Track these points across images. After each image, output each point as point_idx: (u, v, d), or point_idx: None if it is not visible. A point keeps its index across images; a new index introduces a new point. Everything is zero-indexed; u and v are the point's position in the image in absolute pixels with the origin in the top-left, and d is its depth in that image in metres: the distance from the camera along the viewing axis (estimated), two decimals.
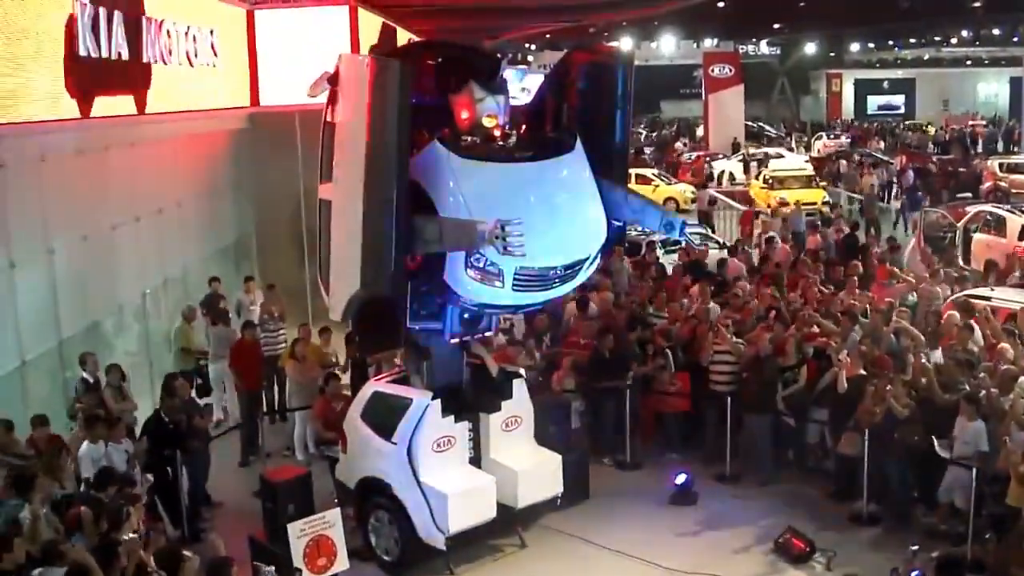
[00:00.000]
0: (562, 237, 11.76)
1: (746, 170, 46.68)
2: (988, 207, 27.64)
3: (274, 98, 21.31)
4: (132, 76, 15.70)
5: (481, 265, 11.33)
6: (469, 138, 12.04)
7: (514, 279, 11.49)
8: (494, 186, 11.59)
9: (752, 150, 51.73)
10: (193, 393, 17.18)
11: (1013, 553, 9.06)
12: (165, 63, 16.96)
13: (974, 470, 12.05)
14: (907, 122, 72.67)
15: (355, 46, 21.77)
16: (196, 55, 18.54)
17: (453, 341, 12.61)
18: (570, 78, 13.00)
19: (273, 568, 8.59)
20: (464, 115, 12.03)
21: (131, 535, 9.63)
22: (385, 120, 11.00)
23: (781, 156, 47.28)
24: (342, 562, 11.04)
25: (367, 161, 11.12)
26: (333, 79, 11.77)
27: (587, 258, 11.97)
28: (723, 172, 47.35)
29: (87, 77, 14.08)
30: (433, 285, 11.96)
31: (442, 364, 12.66)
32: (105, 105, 14.72)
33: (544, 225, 11.47)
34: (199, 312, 17.73)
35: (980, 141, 58.76)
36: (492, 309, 12.58)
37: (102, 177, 15.45)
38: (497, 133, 12.20)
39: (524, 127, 12.83)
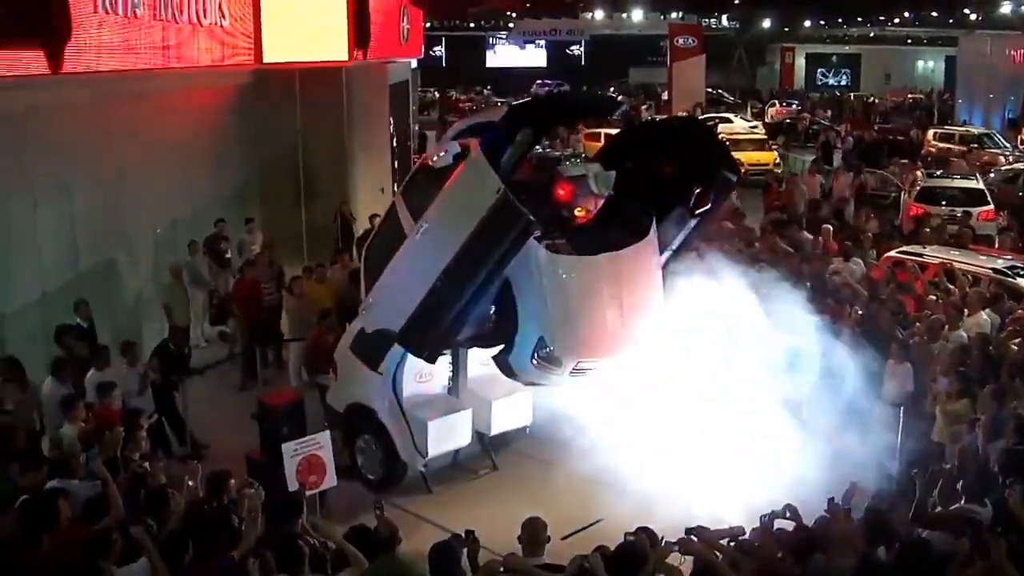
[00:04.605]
0: (626, 334, 11.54)
1: None
2: (917, 174, 27.77)
3: (276, 56, 21.01)
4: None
5: (546, 355, 11.16)
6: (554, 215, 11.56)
7: (573, 368, 11.38)
8: (572, 281, 11.20)
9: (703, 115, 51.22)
10: (206, 323, 17.22)
11: (941, 483, 9.15)
12: (177, 23, 16.70)
13: (901, 408, 12.14)
14: (852, 94, 72.50)
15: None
16: (205, 15, 18.24)
17: None
18: (669, 156, 12.29)
19: (261, 486, 8.58)
20: (562, 192, 11.59)
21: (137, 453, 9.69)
22: (486, 250, 10.57)
23: (729, 120, 46.99)
24: (331, 479, 11.05)
25: (454, 261, 10.74)
26: (460, 156, 11.14)
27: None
28: None
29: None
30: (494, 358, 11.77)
31: None
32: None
33: (613, 321, 11.33)
34: (201, 249, 17.61)
35: (917, 112, 58.64)
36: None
37: (118, 125, 15.23)
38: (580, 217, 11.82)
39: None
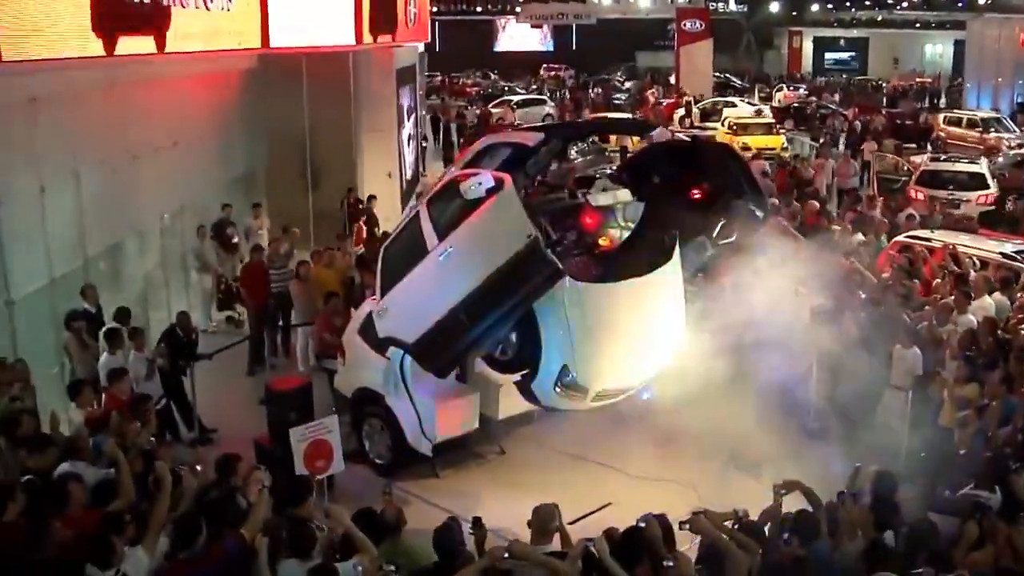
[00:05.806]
0: (649, 359, 11.50)
1: (687, 114, 46.65)
2: (926, 157, 27.66)
3: (283, 40, 20.94)
4: (153, 18, 15.35)
5: (569, 381, 11.01)
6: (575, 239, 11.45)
7: (596, 394, 11.25)
8: (596, 308, 10.95)
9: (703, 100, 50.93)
10: (213, 309, 17.38)
11: (949, 468, 9.18)
12: (183, 6, 16.60)
13: (908, 393, 12.09)
14: (860, 78, 72.24)
15: None
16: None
17: None
18: (698, 181, 11.92)
19: (267, 470, 8.59)
20: (589, 221, 11.37)
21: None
22: (511, 290, 10.42)
23: (733, 105, 46.83)
24: (338, 464, 11.05)
25: (477, 293, 10.60)
26: (493, 191, 10.72)
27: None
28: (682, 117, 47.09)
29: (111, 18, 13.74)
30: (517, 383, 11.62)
31: None
32: (127, 45, 14.42)
33: (637, 349, 11.25)
34: (208, 234, 17.70)
35: (927, 96, 58.47)
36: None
37: (125, 111, 15.20)
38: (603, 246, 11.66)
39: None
